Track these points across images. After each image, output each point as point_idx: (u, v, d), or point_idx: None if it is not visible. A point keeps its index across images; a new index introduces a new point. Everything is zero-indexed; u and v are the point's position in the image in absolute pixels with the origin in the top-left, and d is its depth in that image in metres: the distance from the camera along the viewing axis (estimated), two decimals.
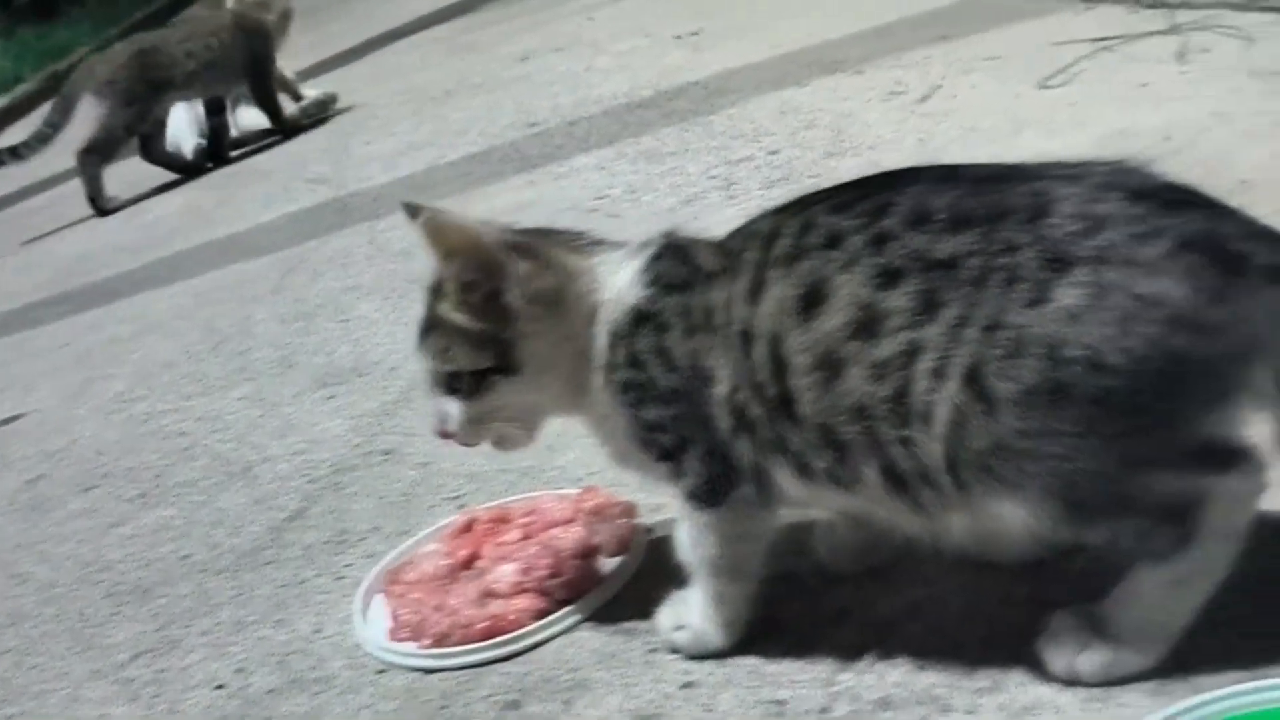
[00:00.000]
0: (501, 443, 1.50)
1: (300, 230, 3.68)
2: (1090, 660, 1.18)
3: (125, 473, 2.37)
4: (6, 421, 2.85)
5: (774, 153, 2.92)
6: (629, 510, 1.65)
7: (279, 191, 4.30)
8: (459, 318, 1.40)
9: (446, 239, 1.37)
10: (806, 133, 3.00)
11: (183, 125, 5.28)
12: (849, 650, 1.34)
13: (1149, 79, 2.58)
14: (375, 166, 4.19)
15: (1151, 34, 2.78)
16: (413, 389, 2.31)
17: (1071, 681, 1.19)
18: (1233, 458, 1.08)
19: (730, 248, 1.32)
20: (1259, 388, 1.07)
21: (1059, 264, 1.08)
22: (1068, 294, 1.07)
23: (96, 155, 4.98)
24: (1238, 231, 1.10)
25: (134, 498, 2.25)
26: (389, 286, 2.87)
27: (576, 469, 1.80)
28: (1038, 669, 1.21)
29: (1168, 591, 1.14)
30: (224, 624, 1.76)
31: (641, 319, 1.33)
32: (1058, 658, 1.20)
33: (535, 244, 1.41)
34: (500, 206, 3.22)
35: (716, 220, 2.13)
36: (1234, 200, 1.17)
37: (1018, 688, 1.21)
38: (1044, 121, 2.56)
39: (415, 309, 1.43)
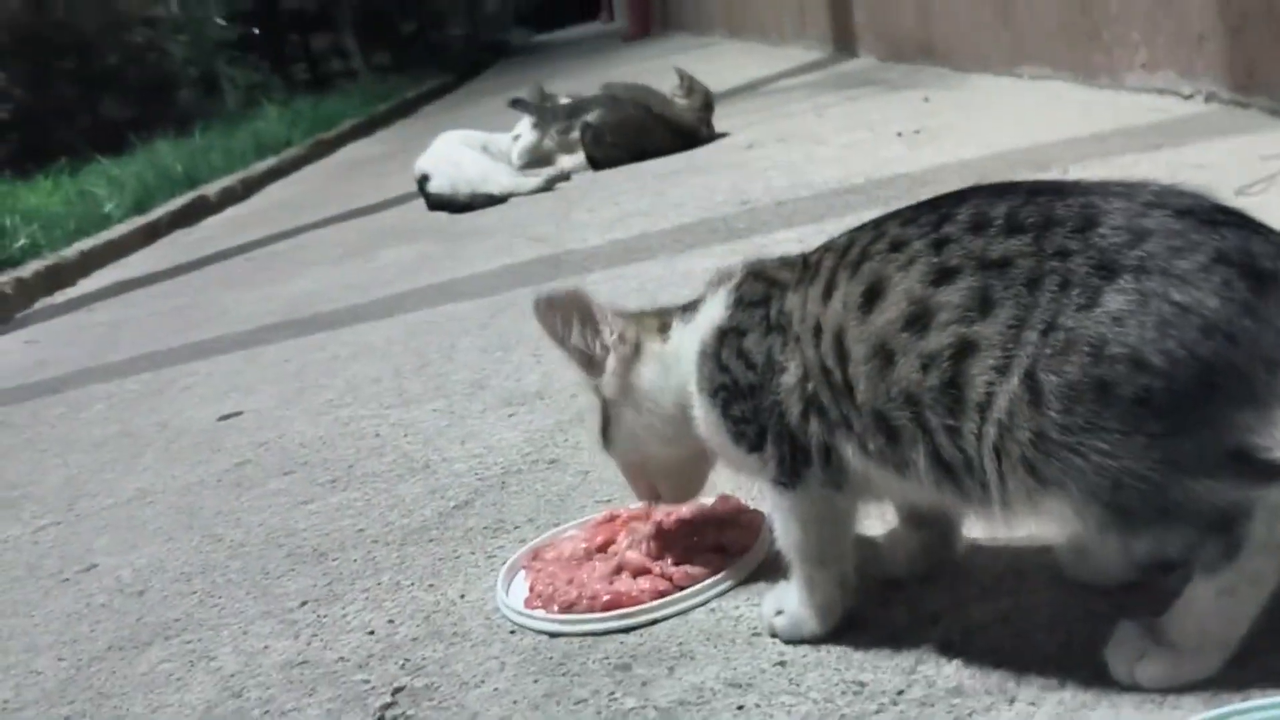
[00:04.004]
0: (665, 494, 1.71)
1: (514, 278, 3.90)
2: (1148, 668, 1.24)
3: (321, 462, 2.59)
4: (227, 417, 3.11)
5: None
6: (757, 516, 1.76)
7: (503, 246, 4.56)
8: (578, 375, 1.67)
9: (557, 305, 1.63)
10: None
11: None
12: (935, 647, 1.42)
13: None
14: (592, 231, 4.42)
15: None
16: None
17: (1132, 687, 1.25)
18: (1274, 470, 1.14)
19: (810, 259, 1.47)
20: None
21: (1106, 271, 1.17)
22: (1114, 299, 1.16)
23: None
24: (1271, 250, 1.17)
25: (325, 482, 2.46)
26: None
27: (723, 484, 1.92)
28: (1105, 674, 1.28)
29: (1218, 602, 1.19)
30: (384, 584, 1.94)
31: (724, 334, 1.50)
32: (1119, 664, 1.27)
33: (629, 311, 1.67)
34: (699, 269, 3.38)
35: None
36: None
37: (1081, 687, 1.28)
38: None
39: None
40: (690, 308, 1.62)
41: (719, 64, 10.33)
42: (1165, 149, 3.46)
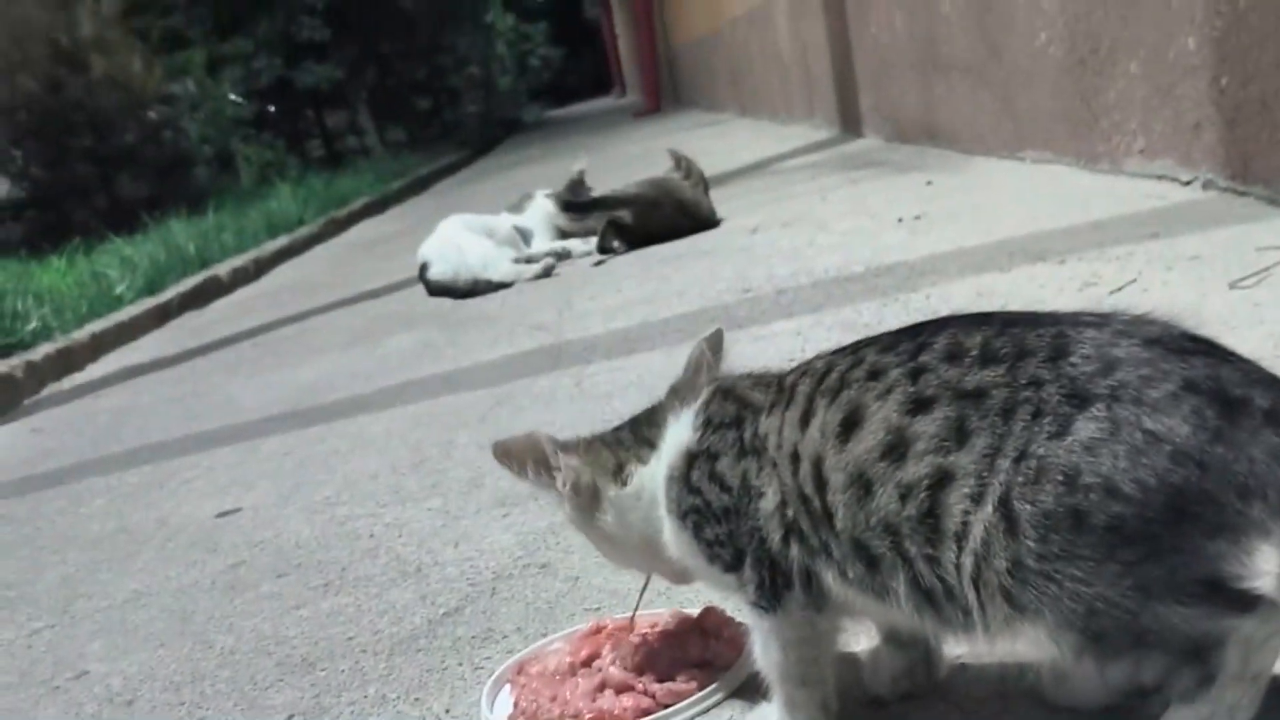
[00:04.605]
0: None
1: (514, 369, 3.92)
2: None
3: (315, 564, 2.59)
4: (225, 514, 3.12)
5: None
6: (742, 630, 1.75)
7: (504, 335, 4.58)
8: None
9: (513, 452, 1.67)
10: None
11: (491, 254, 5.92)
12: None
13: None
14: (595, 319, 4.44)
15: None
16: None
17: None
18: (1248, 601, 1.14)
19: (786, 382, 1.46)
20: (1263, 527, 1.13)
21: (1078, 399, 1.18)
22: (1085, 427, 1.16)
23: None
24: (1239, 377, 1.18)
25: (318, 586, 2.46)
26: (583, 425, 3.03)
27: (711, 594, 1.91)
28: None
29: None
30: (370, 697, 1.93)
31: (694, 456, 1.50)
32: None
33: (582, 446, 1.67)
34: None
35: None
36: None
37: None
38: (1223, 319, 2.60)
39: None
40: (642, 436, 1.62)
41: (729, 142, 10.42)
42: (1162, 238, 3.46)
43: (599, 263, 5.76)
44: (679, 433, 1.54)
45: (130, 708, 2.12)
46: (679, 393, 1.61)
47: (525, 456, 1.67)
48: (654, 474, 1.57)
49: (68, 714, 2.16)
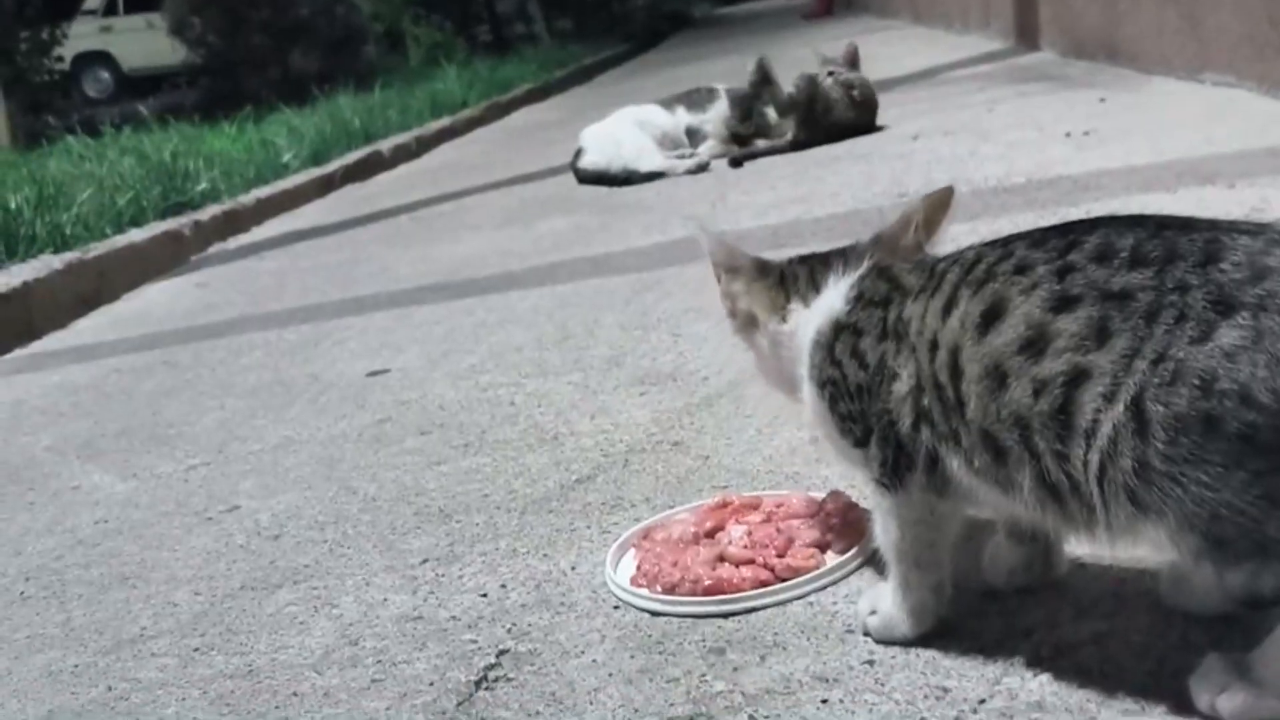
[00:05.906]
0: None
1: (664, 257, 3.95)
2: (1230, 700, 1.24)
3: (457, 426, 2.67)
4: (375, 374, 3.23)
5: None
6: (865, 515, 1.79)
7: (656, 224, 4.61)
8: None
9: (704, 246, 1.77)
10: None
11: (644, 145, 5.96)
12: (1024, 661, 1.44)
13: None
14: (746, 214, 4.45)
15: None
16: (717, 396, 2.52)
17: (1212, 718, 1.26)
18: None
19: (937, 269, 1.46)
20: None
21: (1223, 306, 1.16)
22: (1227, 334, 1.15)
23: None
24: None
25: (458, 445, 2.55)
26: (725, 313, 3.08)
27: (836, 480, 1.95)
28: (1189, 703, 1.28)
29: None
30: (501, 550, 2.01)
31: (840, 328, 1.53)
32: (1202, 694, 1.27)
33: (751, 271, 1.72)
34: None
35: None
36: None
37: (1163, 713, 1.29)
38: None
39: None
40: (814, 280, 1.63)
41: (898, 49, 10.22)
42: None
43: (736, 165, 5.72)
44: (833, 298, 1.56)
45: (276, 541, 2.24)
46: (875, 244, 1.64)
47: (714, 254, 1.77)
48: (808, 323, 1.59)
49: (218, 542, 2.29)
